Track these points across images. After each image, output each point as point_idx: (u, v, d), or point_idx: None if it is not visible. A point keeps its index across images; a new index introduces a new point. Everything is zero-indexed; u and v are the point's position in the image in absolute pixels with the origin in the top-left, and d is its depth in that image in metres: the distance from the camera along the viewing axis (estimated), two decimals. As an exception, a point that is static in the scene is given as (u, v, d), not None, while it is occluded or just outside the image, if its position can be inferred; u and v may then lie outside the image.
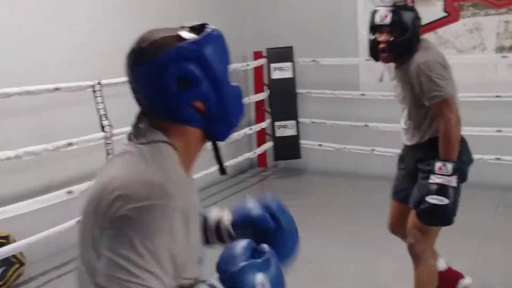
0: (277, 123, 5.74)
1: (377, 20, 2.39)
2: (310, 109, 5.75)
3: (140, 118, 1.12)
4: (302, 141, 5.76)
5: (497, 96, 4.71)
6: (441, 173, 2.30)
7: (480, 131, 4.54)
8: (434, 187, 2.30)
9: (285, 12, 5.85)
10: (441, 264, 2.78)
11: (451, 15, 5.08)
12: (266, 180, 5.85)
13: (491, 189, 4.78)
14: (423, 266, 2.48)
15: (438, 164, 2.31)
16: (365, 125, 5.31)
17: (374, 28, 2.42)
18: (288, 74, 5.59)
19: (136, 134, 1.10)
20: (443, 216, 2.32)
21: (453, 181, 2.30)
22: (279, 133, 5.74)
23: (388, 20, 2.34)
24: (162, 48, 1.05)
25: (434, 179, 2.31)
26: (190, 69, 1.05)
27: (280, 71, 5.61)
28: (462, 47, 5.07)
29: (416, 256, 2.49)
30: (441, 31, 5.12)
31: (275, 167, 6.19)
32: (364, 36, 5.55)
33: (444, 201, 2.27)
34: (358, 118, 5.40)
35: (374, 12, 2.43)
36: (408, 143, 2.58)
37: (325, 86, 5.55)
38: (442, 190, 2.29)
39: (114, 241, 0.95)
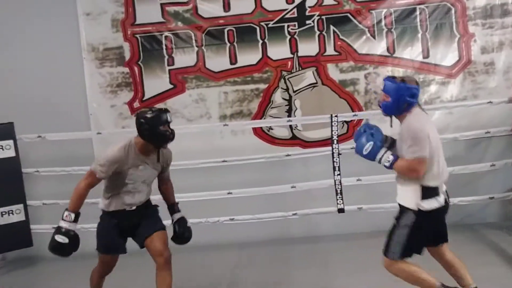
0: (0, 209, 4.99)
1: None
2: (40, 190, 5.26)
3: None
4: (33, 226, 5.16)
5: (223, 161, 5.00)
6: None
7: (211, 195, 4.91)
8: None
9: (1, 86, 5.36)
10: None
11: (177, 87, 5.34)
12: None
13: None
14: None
15: None
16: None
17: None
18: (10, 153, 4.99)
19: None
20: None
21: None
22: (4, 220, 4.99)
23: None
24: None
25: None
26: None
27: (0, 150, 4.97)
28: (190, 116, 5.35)
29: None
30: (170, 101, 5.33)
31: (3, 259, 5.39)
32: (95, 108, 5.41)
33: None
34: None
35: None
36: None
37: (55, 163, 5.16)
38: None
39: None
